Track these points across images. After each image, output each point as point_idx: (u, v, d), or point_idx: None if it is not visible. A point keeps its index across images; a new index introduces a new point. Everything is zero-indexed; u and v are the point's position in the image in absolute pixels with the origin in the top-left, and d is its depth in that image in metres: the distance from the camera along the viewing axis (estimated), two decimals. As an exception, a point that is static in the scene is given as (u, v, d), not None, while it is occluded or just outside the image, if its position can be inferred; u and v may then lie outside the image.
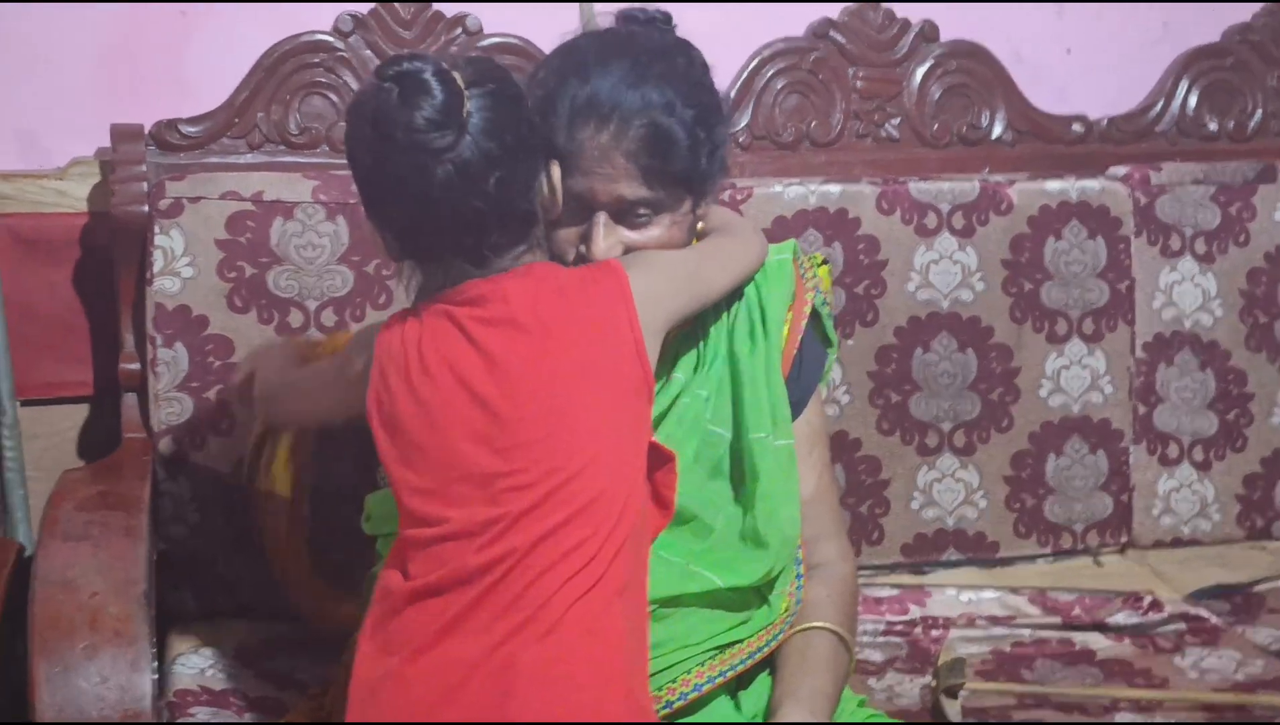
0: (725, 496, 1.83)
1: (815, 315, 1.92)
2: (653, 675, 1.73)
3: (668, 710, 1.73)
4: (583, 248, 1.74)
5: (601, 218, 1.73)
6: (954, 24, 2.64)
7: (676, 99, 1.72)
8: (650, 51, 1.75)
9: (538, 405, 1.58)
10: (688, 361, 1.86)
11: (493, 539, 1.54)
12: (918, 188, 2.48)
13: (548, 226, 1.73)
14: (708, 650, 1.77)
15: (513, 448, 1.57)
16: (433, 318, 1.63)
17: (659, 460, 1.67)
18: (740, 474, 1.83)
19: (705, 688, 1.76)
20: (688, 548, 1.78)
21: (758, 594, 1.81)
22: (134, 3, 2.37)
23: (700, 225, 1.84)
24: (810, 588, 1.86)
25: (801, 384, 1.90)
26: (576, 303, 1.62)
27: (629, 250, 1.74)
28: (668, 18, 1.82)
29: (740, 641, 1.79)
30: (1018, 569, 2.54)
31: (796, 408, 1.88)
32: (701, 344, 1.87)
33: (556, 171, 1.68)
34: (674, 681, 1.75)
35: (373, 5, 2.40)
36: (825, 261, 1.97)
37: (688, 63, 1.77)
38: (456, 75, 1.57)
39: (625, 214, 1.73)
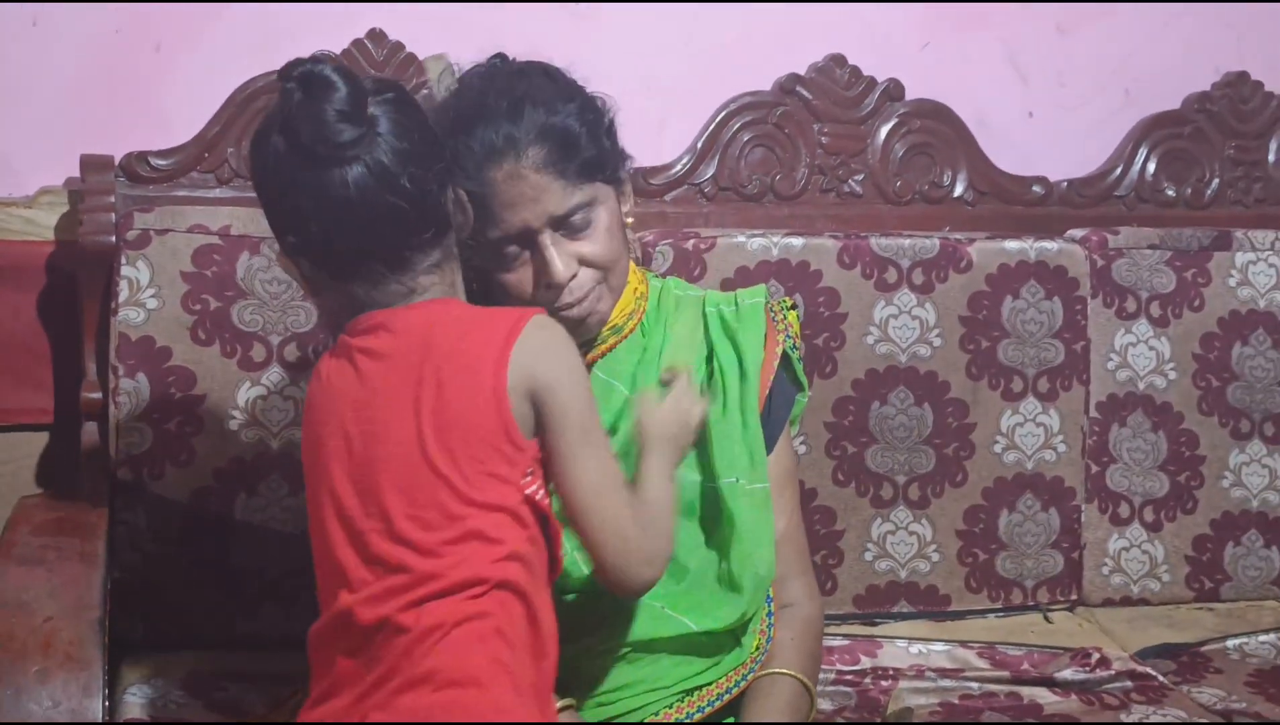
0: (697, 538, 1.86)
1: (785, 357, 1.96)
2: (621, 716, 1.76)
3: None
4: (544, 280, 1.77)
5: (547, 240, 1.76)
6: (919, 84, 2.68)
7: (554, 101, 1.78)
8: (507, 81, 1.80)
9: (394, 443, 1.55)
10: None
11: (360, 583, 1.53)
12: (879, 243, 2.51)
13: (498, 276, 1.78)
14: (676, 693, 1.79)
15: (371, 487, 1.55)
16: (337, 354, 1.62)
17: (551, 527, 1.62)
18: (714, 517, 1.86)
19: None
20: (663, 589, 1.79)
21: (731, 636, 1.84)
22: (111, 29, 2.40)
23: (629, 219, 1.88)
24: (775, 630, 1.88)
25: (771, 423, 1.93)
26: (455, 339, 1.59)
27: (582, 262, 1.78)
28: (501, 55, 1.86)
29: (710, 684, 1.81)
30: (968, 623, 2.56)
31: (766, 447, 1.92)
32: (645, 378, 1.89)
33: (462, 192, 1.69)
34: (641, 723, 1.76)
35: (346, 45, 2.43)
36: (794, 306, 2.01)
37: (544, 75, 1.83)
38: (359, 76, 1.58)
39: (564, 227, 1.77)
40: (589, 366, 1.88)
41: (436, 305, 1.62)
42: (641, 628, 1.77)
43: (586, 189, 1.78)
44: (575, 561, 1.76)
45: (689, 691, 1.80)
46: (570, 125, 1.77)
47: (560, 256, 1.77)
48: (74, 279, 2.29)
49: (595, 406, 1.64)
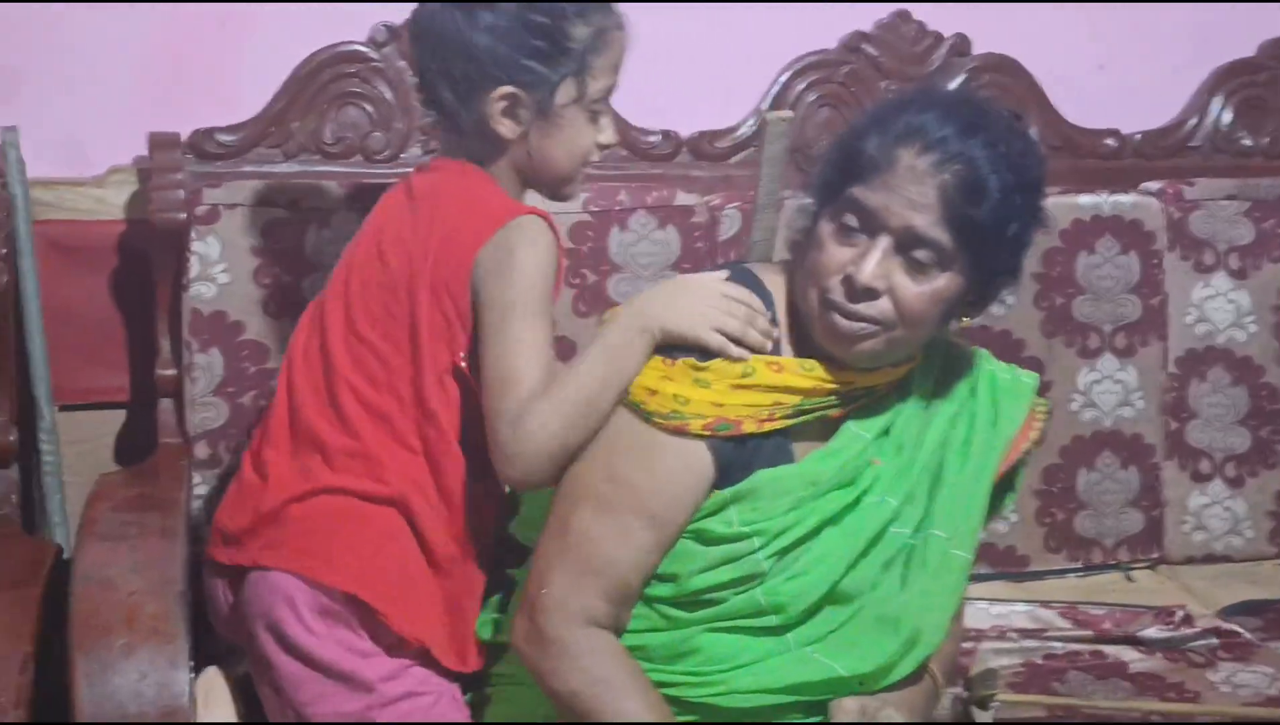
0: (879, 581, 1.77)
1: (1024, 456, 1.87)
2: None
3: None
4: (851, 269, 1.68)
5: (884, 242, 1.67)
6: (987, 38, 2.64)
7: (1005, 161, 1.67)
8: (998, 119, 1.72)
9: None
10: (878, 432, 1.80)
11: None
12: (950, 201, 2.48)
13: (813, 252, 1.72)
14: None
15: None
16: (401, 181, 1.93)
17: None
18: (909, 563, 1.78)
19: None
20: (816, 631, 1.75)
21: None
22: (176, 2, 2.38)
23: (964, 322, 1.78)
24: None
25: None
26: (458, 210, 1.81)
27: (892, 292, 1.68)
28: (1017, 115, 1.79)
29: None
30: (1048, 583, 2.54)
31: None
32: (901, 426, 1.80)
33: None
34: None
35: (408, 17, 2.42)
36: (1050, 411, 1.94)
37: (1025, 146, 1.74)
38: None
39: (907, 250, 1.67)
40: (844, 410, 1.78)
41: (455, 167, 1.84)
42: (788, 672, 1.72)
43: (953, 249, 1.67)
44: (752, 598, 1.73)
45: None
46: (993, 187, 1.65)
47: (879, 266, 1.67)
48: (145, 257, 2.30)
49: (538, 295, 1.74)
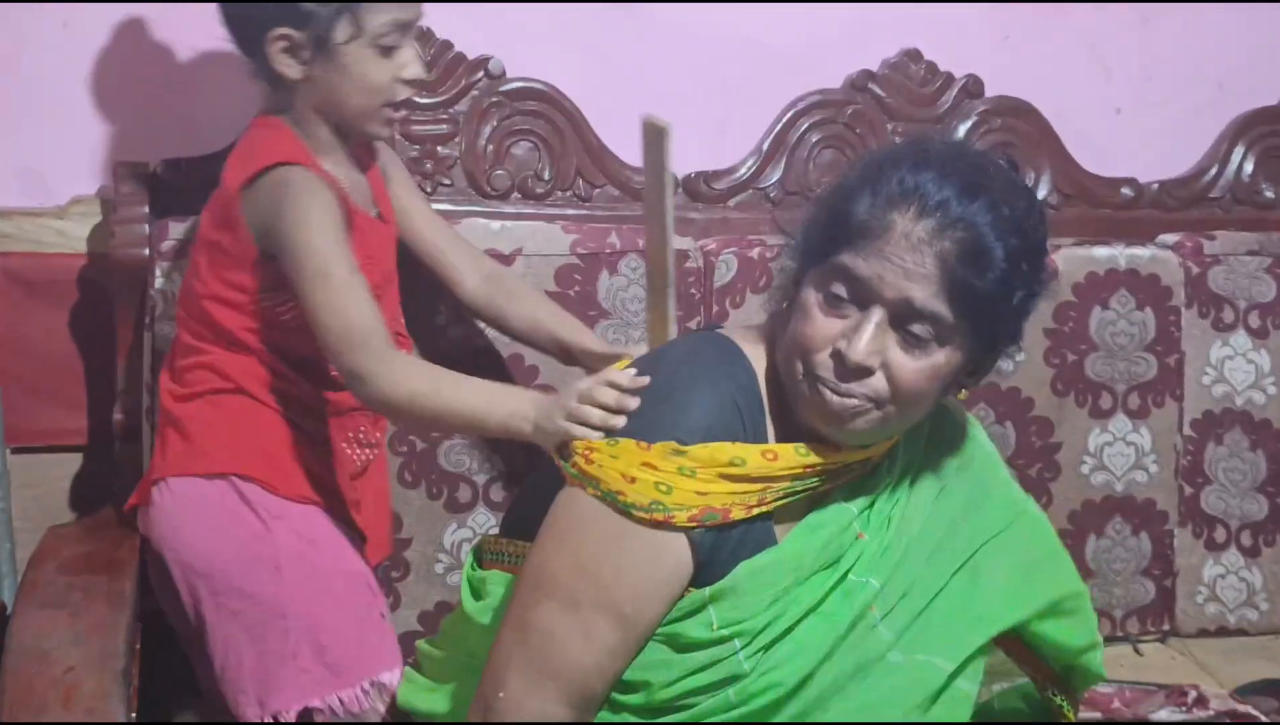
0: (857, 693, 1.61)
1: None
2: None
3: None
4: (841, 345, 1.55)
5: (877, 316, 1.54)
6: (999, 80, 2.55)
7: (1010, 225, 1.54)
8: (999, 175, 1.59)
9: None
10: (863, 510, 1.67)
11: None
12: (958, 251, 2.38)
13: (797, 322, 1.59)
14: None
15: None
16: None
17: None
18: (896, 692, 1.61)
19: None
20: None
21: None
22: (145, 31, 2.29)
23: (960, 395, 1.66)
24: None
25: None
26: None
27: (886, 368, 1.55)
28: (1015, 165, 1.67)
29: None
30: (1054, 655, 2.43)
31: None
32: (886, 498, 1.67)
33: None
34: None
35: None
36: None
37: (1029, 206, 1.59)
38: None
39: (902, 324, 1.54)
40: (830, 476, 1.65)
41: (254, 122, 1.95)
42: None
43: (954, 322, 1.54)
44: (724, 697, 1.58)
45: None
46: (997, 255, 1.52)
47: (873, 343, 1.54)
48: (106, 293, 2.20)
49: (328, 245, 1.78)
